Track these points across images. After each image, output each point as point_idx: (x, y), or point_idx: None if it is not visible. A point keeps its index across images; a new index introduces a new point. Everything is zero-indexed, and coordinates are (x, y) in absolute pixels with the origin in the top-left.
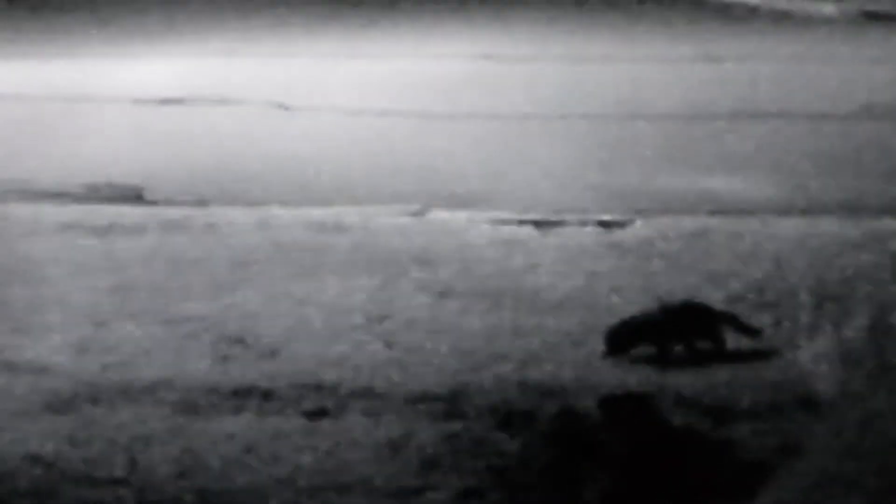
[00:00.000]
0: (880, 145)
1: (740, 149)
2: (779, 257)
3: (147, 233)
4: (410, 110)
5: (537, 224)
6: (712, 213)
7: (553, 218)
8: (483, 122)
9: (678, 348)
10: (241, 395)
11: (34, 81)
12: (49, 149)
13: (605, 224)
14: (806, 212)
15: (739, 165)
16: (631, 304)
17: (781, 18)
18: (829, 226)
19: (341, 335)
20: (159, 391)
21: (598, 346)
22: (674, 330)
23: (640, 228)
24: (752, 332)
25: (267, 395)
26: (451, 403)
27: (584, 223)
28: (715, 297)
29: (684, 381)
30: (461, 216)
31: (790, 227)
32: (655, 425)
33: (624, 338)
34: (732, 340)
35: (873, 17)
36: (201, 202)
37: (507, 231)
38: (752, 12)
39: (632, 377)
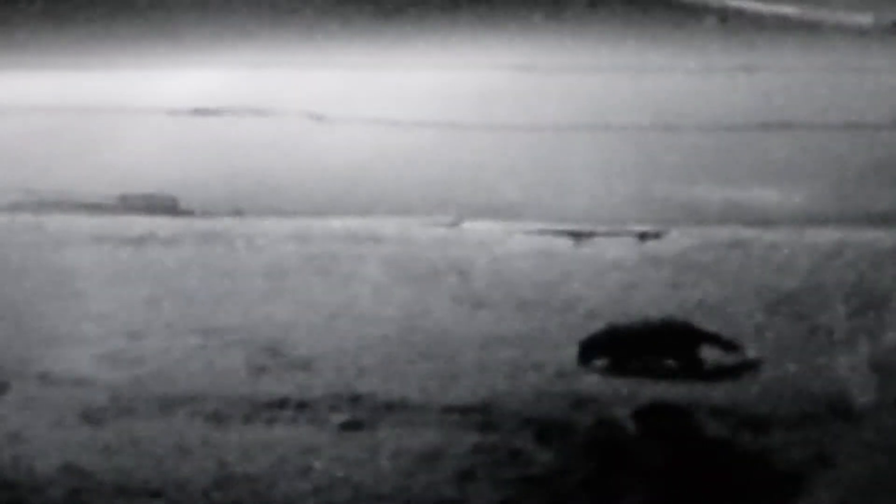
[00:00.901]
0: None
1: (775, 159)
2: (814, 268)
3: (182, 244)
4: (445, 121)
5: (572, 235)
6: (747, 223)
7: (588, 229)
8: (518, 132)
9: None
10: (276, 407)
11: (69, 92)
12: (84, 160)
13: (640, 235)
14: (841, 222)
15: (774, 176)
16: (665, 314)
17: (815, 28)
18: (863, 236)
19: (376, 346)
20: (194, 402)
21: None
22: (650, 346)
23: (675, 239)
24: (733, 348)
25: (301, 406)
26: (486, 414)
27: (618, 234)
28: (751, 308)
29: (719, 391)
30: (496, 227)
31: (825, 237)
32: (691, 436)
33: (602, 348)
34: (758, 350)
35: None
36: (236, 213)
37: (542, 242)
38: (786, 22)
39: (667, 388)
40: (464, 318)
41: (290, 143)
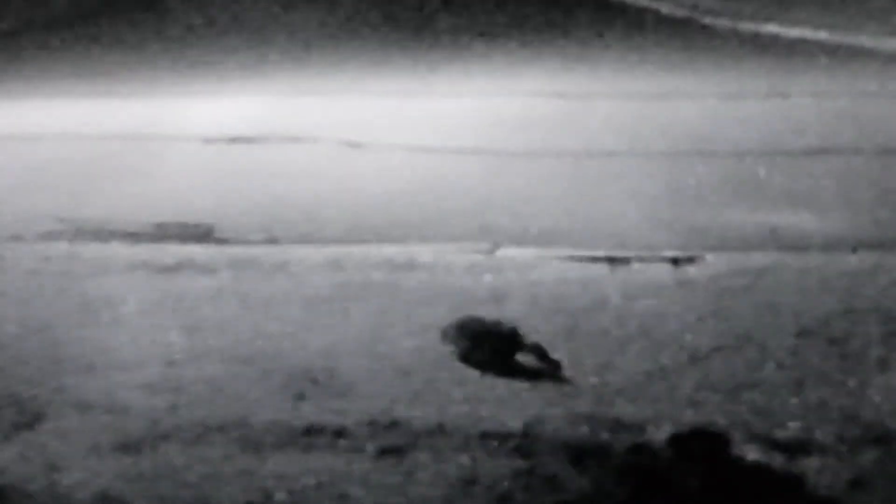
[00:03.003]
0: None
1: (809, 184)
2: (848, 293)
3: (217, 272)
4: (481, 148)
5: (607, 260)
6: (781, 248)
7: (623, 254)
8: (553, 159)
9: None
10: (313, 434)
11: (105, 120)
12: (119, 188)
13: (674, 260)
14: (874, 247)
15: (808, 201)
16: (701, 339)
17: (850, 54)
18: None
19: (412, 373)
20: (230, 430)
21: (670, 382)
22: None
23: (709, 264)
24: (553, 364)
25: (338, 433)
26: (522, 439)
27: (653, 259)
28: (785, 332)
29: (755, 415)
30: (531, 253)
31: (859, 262)
32: (728, 461)
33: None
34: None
35: None
36: (272, 240)
37: (577, 268)
38: (821, 48)
39: (703, 413)
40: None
41: (326, 171)
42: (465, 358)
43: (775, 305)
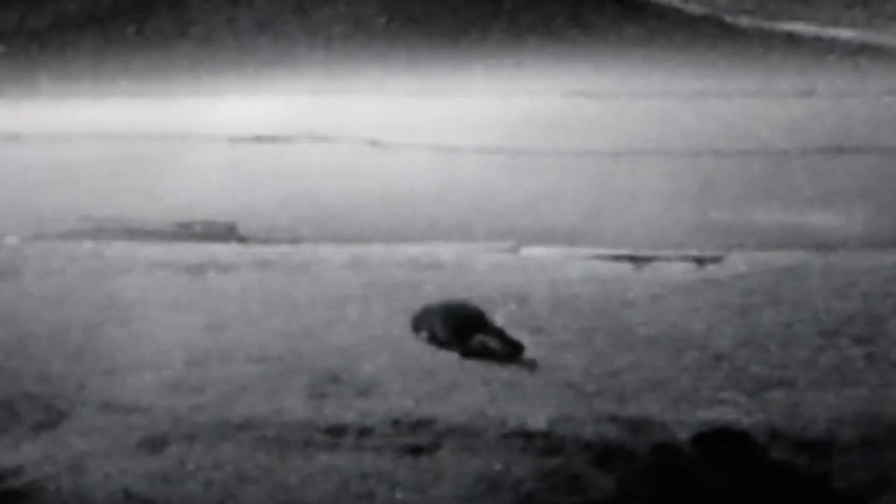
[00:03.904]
0: None
1: (835, 183)
2: (873, 291)
3: (241, 270)
4: (504, 147)
5: (631, 260)
6: (806, 247)
7: (647, 253)
8: (577, 158)
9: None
10: (337, 433)
11: (130, 120)
12: (144, 187)
13: (699, 259)
14: None
15: (834, 200)
16: (725, 338)
17: (877, 52)
18: None
19: (437, 372)
20: (254, 429)
21: (694, 381)
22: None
23: (734, 263)
24: (514, 346)
25: (363, 432)
26: (547, 439)
27: (678, 259)
28: (809, 331)
29: (779, 415)
30: (555, 252)
31: (884, 261)
32: (752, 460)
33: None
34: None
35: None
36: (295, 240)
37: (602, 267)
38: (847, 46)
39: (728, 412)
40: (524, 344)
41: (350, 170)
42: (433, 339)
43: (800, 304)
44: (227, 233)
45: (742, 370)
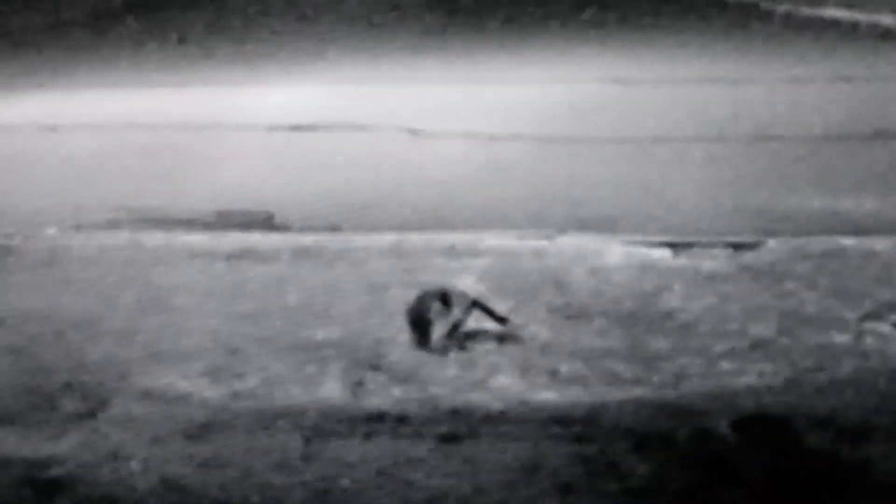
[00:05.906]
0: None
1: (872, 169)
2: None
3: (279, 259)
4: (541, 134)
5: (669, 246)
6: (844, 232)
7: (685, 240)
8: (614, 145)
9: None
10: (375, 421)
11: (167, 109)
12: (182, 176)
13: (736, 246)
14: None
15: (871, 185)
16: (763, 324)
17: None
18: None
19: (475, 360)
20: (293, 417)
21: (733, 368)
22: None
23: (771, 249)
24: (499, 319)
25: (400, 420)
26: (585, 426)
27: (715, 245)
28: (848, 317)
29: (819, 401)
30: (593, 239)
31: None
32: (791, 447)
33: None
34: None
35: None
36: (333, 228)
37: (639, 254)
38: (884, 32)
39: (767, 398)
40: (561, 331)
41: (387, 158)
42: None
43: (837, 290)
44: (265, 221)
45: (780, 356)
